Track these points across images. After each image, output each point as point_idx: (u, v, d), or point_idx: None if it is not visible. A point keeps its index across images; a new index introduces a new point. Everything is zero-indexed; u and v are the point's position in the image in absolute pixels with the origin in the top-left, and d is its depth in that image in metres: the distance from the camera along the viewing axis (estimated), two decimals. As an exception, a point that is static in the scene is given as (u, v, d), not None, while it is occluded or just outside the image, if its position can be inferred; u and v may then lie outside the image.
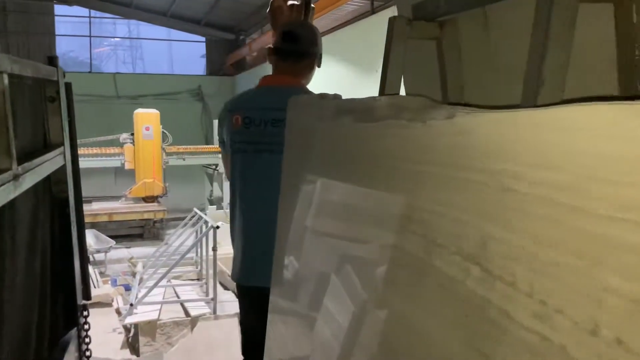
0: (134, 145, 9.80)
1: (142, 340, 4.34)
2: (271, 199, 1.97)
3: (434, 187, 0.69)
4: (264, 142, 1.96)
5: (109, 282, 6.42)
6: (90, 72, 13.48)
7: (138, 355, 4.22)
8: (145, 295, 4.63)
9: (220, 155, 10.05)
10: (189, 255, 5.60)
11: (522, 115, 0.60)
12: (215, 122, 11.91)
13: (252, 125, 1.98)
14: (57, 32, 13.23)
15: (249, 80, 12.63)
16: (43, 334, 1.61)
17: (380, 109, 0.89)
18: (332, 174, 1.10)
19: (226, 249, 6.95)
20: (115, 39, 15.43)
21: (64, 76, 1.76)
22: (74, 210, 1.82)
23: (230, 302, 5.00)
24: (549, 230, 0.51)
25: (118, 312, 5.05)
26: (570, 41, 0.95)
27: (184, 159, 10.49)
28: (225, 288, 5.46)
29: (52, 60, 1.68)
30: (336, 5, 7.39)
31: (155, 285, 4.75)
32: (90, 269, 5.53)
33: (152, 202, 10.09)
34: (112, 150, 9.99)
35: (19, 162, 1.19)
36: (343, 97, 1.24)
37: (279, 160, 1.93)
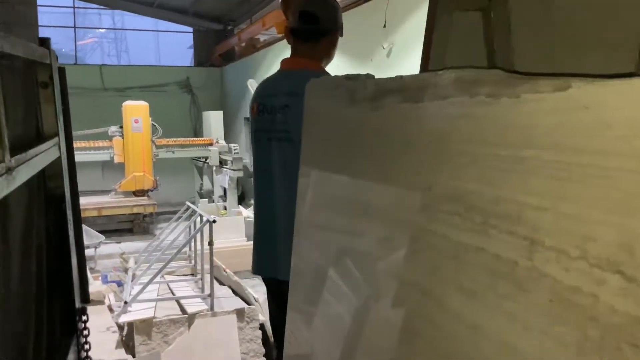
0: (123, 138, 9.61)
1: (137, 339, 4.18)
2: (279, 189, 1.85)
3: (538, 176, 0.56)
4: (274, 129, 1.83)
5: (100, 278, 6.23)
6: (75, 64, 13.17)
7: (134, 355, 4.06)
8: (140, 292, 4.47)
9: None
10: (182, 250, 5.45)
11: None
12: (204, 114, 11.72)
13: (265, 113, 1.84)
14: (40, 23, 12.89)
15: (237, 71, 12.40)
16: (39, 342, 1.47)
17: (444, 85, 0.76)
18: (374, 164, 0.96)
19: (220, 243, 6.82)
20: (101, 30, 15.10)
21: (57, 60, 1.61)
22: (71, 207, 1.67)
23: (226, 298, 4.85)
24: None
25: (110, 309, 4.89)
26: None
27: (173, 152, 10.31)
28: (221, 283, 5.32)
29: (43, 42, 1.53)
30: (329, -7, 7.22)
31: (151, 281, 4.59)
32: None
33: (143, 196, 9.96)
34: (100, 143, 9.80)
35: (12, 154, 1.05)
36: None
37: (285, 148, 1.80)
